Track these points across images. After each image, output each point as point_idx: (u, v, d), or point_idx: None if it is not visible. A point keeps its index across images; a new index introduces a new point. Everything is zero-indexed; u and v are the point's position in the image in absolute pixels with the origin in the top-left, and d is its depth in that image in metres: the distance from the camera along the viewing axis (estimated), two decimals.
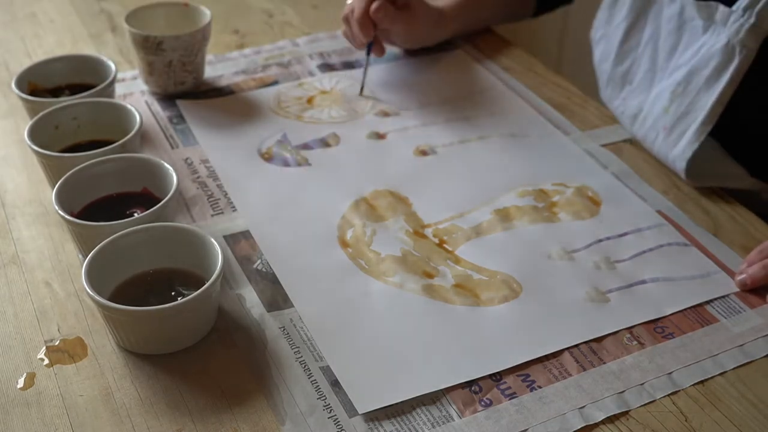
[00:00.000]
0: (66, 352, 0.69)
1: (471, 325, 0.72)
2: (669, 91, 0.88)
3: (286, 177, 0.89)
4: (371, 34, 1.00)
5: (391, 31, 1.02)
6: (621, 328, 0.72)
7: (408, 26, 1.03)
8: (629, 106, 0.94)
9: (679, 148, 0.86)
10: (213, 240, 0.71)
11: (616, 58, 0.97)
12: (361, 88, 1.02)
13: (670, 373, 0.68)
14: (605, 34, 0.99)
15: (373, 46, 1.03)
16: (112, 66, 0.94)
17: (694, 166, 0.86)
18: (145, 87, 1.02)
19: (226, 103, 1.01)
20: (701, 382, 0.67)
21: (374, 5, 0.98)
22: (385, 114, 0.99)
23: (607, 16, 0.99)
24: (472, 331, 0.71)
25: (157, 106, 1.00)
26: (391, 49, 1.11)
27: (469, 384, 0.67)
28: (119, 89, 1.00)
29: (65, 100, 0.88)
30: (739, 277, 0.76)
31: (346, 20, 1.02)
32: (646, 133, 0.91)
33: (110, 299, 0.67)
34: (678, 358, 0.69)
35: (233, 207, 0.84)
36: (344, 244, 0.80)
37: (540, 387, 0.67)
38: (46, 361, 0.68)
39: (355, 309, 0.73)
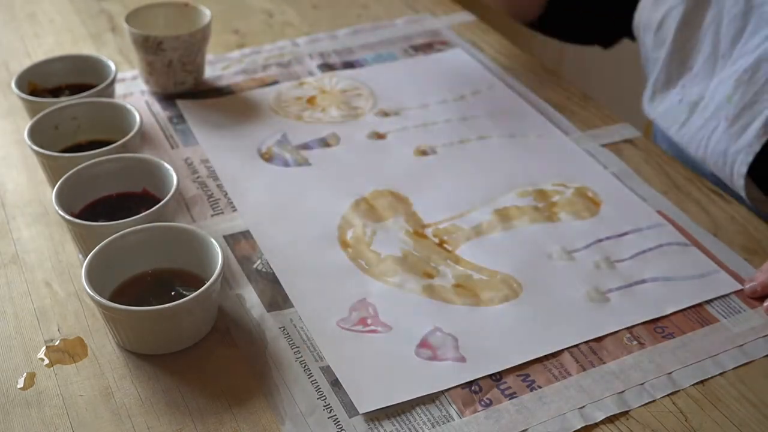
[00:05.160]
0: (66, 352, 0.69)
1: (471, 325, 0.72)
2: (733, 78, 0.83)
3: (286, 177, 0.89)
4: None
5: None
6: (621, 328, 0.72)
7: None
8: (689, 93, 0.89)
9: (743, 141, 0.81)
10: (213, 240, 0.71)
11: (673, 42, 0.91)
12: None
13: (670, 373, 0.68)
14: (661, 18, 0.92)
15: None
16: (112, 66, 0.94)
17: (757, 166, 0.81)
18: (145, 87, 1.02)
19: (226, 103, 1.01)
20: (701, 382, 0.67)
21: None
22: (385, 114, 0.99)
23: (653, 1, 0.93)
24: (472, 331, 0.71)
25: (157, 106, 1.00)
26: (390, 50, 1.12)
27: (469, 384, 0.67)
28: (119, 89, 1.00)
29: (65, 100, 0.88)
30: (749, 285, 0.75)
31: None
32: (705, 122, 0.86)
33: (110, 299, 0.67)
34: (678, 358, 0.69)
35: (233, 207, 0.84)
36: (344, 244, 0.80)
37: (540, 387, 0.67)
38: (46, 361, 0.68)
39: (355, 309, 0.73)
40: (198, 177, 0.88)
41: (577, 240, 0.81)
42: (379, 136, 0.95)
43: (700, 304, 0.74)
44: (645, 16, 0.95)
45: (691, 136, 0.88)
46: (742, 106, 0.83)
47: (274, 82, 1.05)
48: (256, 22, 1.19)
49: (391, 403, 0.65)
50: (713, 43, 0.87)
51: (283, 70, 1.07)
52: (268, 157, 0.91)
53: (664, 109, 0.93)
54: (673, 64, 0.92)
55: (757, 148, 0.81)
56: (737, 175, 0.83)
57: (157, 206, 0.75)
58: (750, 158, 0.81)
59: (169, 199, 0.76)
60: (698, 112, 0.88)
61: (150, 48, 0.97)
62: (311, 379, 0.67)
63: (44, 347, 0.69)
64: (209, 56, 1.07)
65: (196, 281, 0.70)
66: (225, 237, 0.80)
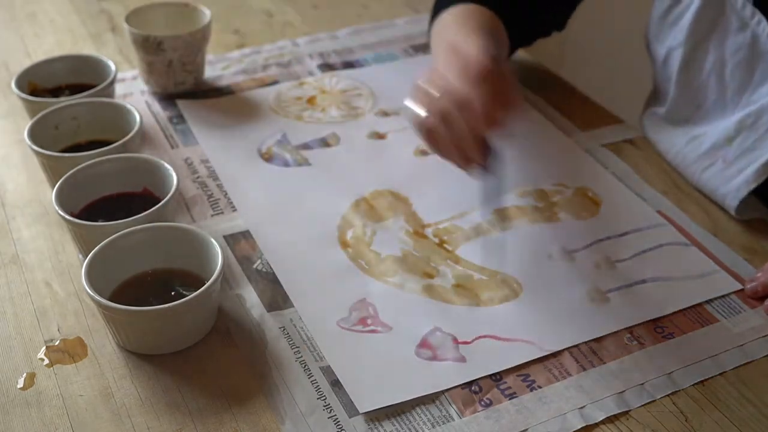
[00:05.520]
0: (66, 352, 0.69)
1: (471, 325, 0.72)
2: (736, 120, 0.83)
3: (286, 177, 0.89)
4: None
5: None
6: (621, 328, 0.72)
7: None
8: (695, 129, 0.88)
9: (734, 184, 0.82)
10: (213, 240, 0.71)
11: (678, 83, 0.90)
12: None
13: (670, 373, 0.68)
14: (664, 55, 0.91)
15: (490, 158, 0.73)
16: (112, 66, 0.94)
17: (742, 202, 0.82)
18: (145, 87, 1.02)
19: (226, 103, 1.01)
20: (701, 382, 0.67)
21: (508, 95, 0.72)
22: (385, 114, 0.99)
23: (657, 32, 0.91)
24: (472, 331, 0.71)
25: (157, 106, 1.00)
26: (390, 50, 1.12)
27: (469, 384, 0.67)
28: (119, 89, 1.00)
29: (65, 100, 0.88)
30: (750, 285, 0.75)
31: (430, 131, 0.74)
32: (699, 157, 0.86)
33: (110, 299, 0.67)
34: (678, 358, 0.69)
35: (233, 207, 0.84)
36: (344, 244, 0.80)
37: (540, 387, 0.67)
38: (46, 361, 0.68)
39: (355, 309, 0.73)
40: (198, 177, 0.88)
41: (577, 240, 0.81)
42: (379, 136, 0.95)
43: (700, 304, 0.74)
44: (651, 41, 0.93)
45: (685, 165, 0.88)
46: (741, 150, 0.82)
47: (274, 82, 1.04)
48: (256, 22, 1.19)
49: (391, 403, 0.65)
50: (719, 89, 0.85)
51: (283, 70, 1.07)
52: (268, 157, 0.91)
53: (664, 135, 0.92)
54: (682, 103, 0.90)
55: (743, 193, 0.81)
56: (728, 209, 0.84)
57: (157, 206, 0.75)
58: (736, 203, 0.82)
59: (169, 199, 0.76)
60: (694, 145, 0.87)
61: (150, 48, 0.97)
62: (311, 379, 0.67)
63: (44, 347, 0.69)
64: (209, 56, 1.07)
65: (196, 281, 0.70)
66: (225, 237, 0.80)
